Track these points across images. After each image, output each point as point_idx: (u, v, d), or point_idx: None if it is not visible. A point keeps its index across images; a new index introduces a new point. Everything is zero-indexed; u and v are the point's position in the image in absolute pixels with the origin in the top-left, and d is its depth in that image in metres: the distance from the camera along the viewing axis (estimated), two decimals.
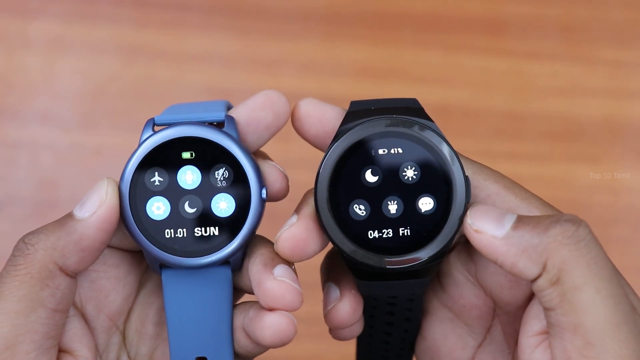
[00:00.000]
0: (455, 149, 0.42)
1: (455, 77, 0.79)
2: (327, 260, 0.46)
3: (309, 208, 0.42)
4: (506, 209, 0.42)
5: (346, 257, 0.41)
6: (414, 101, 0.44)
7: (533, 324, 0.41)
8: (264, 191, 0.42)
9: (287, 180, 0.44)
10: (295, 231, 0.41)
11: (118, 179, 0.43)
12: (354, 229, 0.41)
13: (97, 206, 0.41)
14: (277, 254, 0.42)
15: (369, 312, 0.45)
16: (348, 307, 0.43)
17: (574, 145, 0.78)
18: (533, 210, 0.42)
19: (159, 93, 0.78)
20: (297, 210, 0.42)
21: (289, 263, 0.42)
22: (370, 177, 0.42)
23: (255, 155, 0.44)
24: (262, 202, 0.42)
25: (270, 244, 0.44)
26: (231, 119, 0.42)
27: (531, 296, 0.42)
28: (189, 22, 0.80)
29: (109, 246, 0.44)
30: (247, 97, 0.80)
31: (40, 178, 0.76)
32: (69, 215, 0.41)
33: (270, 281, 0.41)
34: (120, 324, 0.45)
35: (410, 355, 0.48)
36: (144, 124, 0.43)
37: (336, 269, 0.44)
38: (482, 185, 0.42)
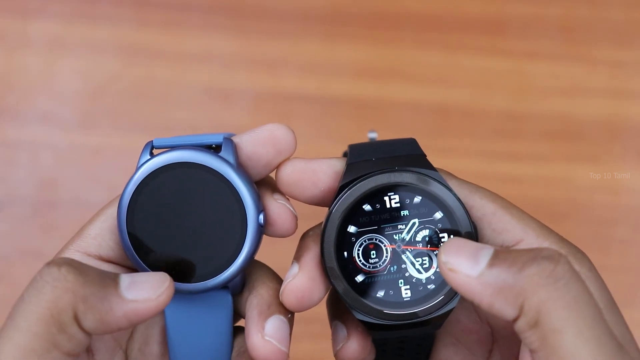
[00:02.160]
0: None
1: (455, 77, 0.79)
2: (331, 297, 0.45)
3: (308, 255, 0.42)
4: (502, 229, 0.41)
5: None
6: (414, 143, 0.43)
7: (527, 351, 0.40)
8: (261, 217, 0.42)
9: (296, 219, 0.43)
10: (299, 282, 0.41)
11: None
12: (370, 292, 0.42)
13: (143, 299, 0.38)
14: (276, 298, 0.42)
15: (379, 347, 0.45)
16: (356, 345, 0.43)
17: (574, 145, 0.78)
18: (529, 232, 0.41)
19: (159, 93, 0.78)
20: (297, 258, 0.42)
21: (287, 311, 0.42)
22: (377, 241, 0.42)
23: (264, 186, 0.44)
24: (260, 227, 0.42)
25: (271, 280, 0.43)
26: (229, 142, 0.42)
27: None
28: (189, 22, 0.80)
29: (115, 263, 0.43)
30: (247, 97, 0.81)
31: (40, 178, 0.76)
32: (114, 282, 0.38)
33: (258, 339, 0.41)
34: (123, 342, 0.44)
35: None
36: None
37: (341, 306, 0.43)
38: (478, 204, 0.42)
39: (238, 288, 0.43)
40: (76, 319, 0.37)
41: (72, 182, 0.76)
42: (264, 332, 0.41)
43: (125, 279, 0.38)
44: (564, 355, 0.35)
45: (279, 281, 0.43)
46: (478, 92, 0.79)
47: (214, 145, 0.42)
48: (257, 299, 0.42)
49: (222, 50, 0.79)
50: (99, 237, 0.42)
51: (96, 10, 0.79)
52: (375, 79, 0.79)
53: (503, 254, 0.37)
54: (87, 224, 0.43)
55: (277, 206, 0.42)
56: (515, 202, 0.43)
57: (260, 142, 0.42)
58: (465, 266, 0.37)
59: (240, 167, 0.42)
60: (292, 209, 0.43)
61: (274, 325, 0.41)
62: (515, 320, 0.37)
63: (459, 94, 0.79)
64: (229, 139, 0.42)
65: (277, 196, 0.43)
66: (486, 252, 0.38)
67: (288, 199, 0.43)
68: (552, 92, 0.79)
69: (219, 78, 0.79)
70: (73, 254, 0.42)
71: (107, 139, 0.77)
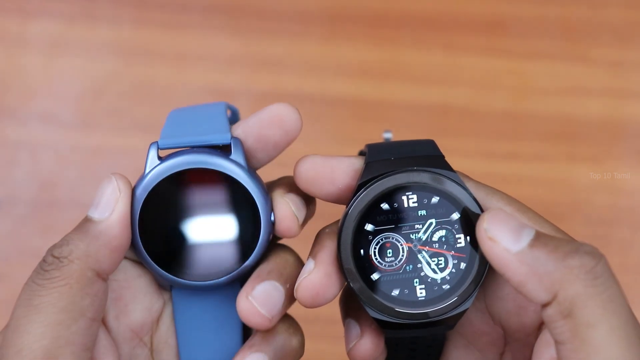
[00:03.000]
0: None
1: (455, 77, 0.79)
2: (345, 295, 0.45)
3: (324, 252, 0.42)
4: None
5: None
6: (432, 145, 0.43)
7: (544, 352, 0.40)
8: (272, 215, 0.42)
9: (297, 221, 0.43)
10: (314, 278, 0.41)
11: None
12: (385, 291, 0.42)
13: (114, 203, 0.40)
14: (280, 266, 0.42)
15: (391, 346, 0.45)
16: (370, 343, 0.43)
17: (574, 145, 0.78)
18: None
19: (159, 93, 0.78)
20: (313, 255, 0.42)
21: (286, 281, 0.42)
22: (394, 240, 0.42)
23: (278, 185, 0.44)
24: (271, 225, 0.42)
25: (283, 254, 0.43)
26: (237, 142, 0.42)
27: (539, 324, 0.42)
28: (189, 22, 0.80)
29: (133, 260, 0.43)
30: (247, 97, 0.81)
31: (40, 178, 0.76)
32: (88, 220, 0.40)
33: (243, 299, 0.41)
34: (146, 336, 0.44)
35: None
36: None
37: (355, 305, 0.43)
38: (494, 206, 0.42)
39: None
40: (96, 272, 0.39)
41: (72, 182, 0.76)
42: (251, 292, 0.41)
43: (91, 210, 0.41)
44: (594, 350, 0.35)
45: (292, 253, 0.44)
46: (478, 92, 0.79)
47: (221, 145, 0.42)
48: (262, 265, 0.42)
49: (222, 50, 0.79)
50: None
51: (96, 10, 0.79)
52: (375, 79, 0.79)
53: (545, 238, 0.37)
54: None
55: (282, 203, 0.42)
56: None
57: (266, 124, 0.42)
58: (506, 239, 0.37)
59: (250, 168, 0.42)
60: (295, 210, 0.43)
61: (263, 288, 0.41)
62: (545, 305, 0.37)
63: (459, 94, 0.79)
64: (237, 139, 0.42)
65: (287, 196, 0.43)
66: (529, 231, 0.38)
67: (302, 198, 0.43)
68: (552, 92, 0.79)
69: (219, 78, 0.79)
70: None
71: (107, 139, 0.77)
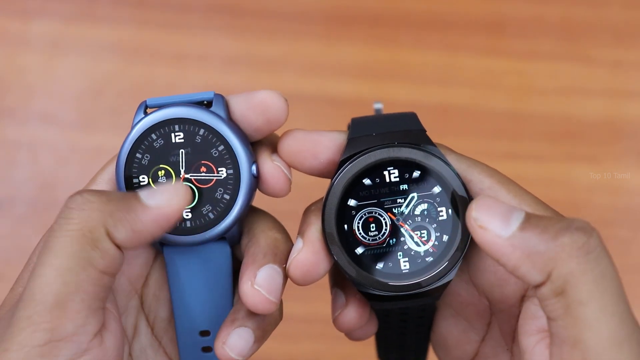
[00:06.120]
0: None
1: (455, 77, 0.79)
2: (334, 265, 0.46)
3: (311, 230, 0.42)
4: None
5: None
6: (414, 118, 0.44)
7: (530, 323, 0.41)
8: (254, 167, 0.43)
9: (289, 181, 0.43)
10: (304, 257, 0.42)
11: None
12: (368, 263, 0.42)
13: (165, 202, 0.39)
14: (272, 247, 0.43)
15: (382, 318, 0.45)
16: (354, 313, 0.44)
17: (574, 145, 0.78)
18: (524, 207, 0.41)
19: (159, 93, 0.78)
20: (301, 233, 0.43)
21: (282, 262, 0.42)
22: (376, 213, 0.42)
23: (264, 145, 0.44)
24: (253, 178, 0.43)
25: (271, 228, 0.44)
26: (219, 98, 0.43)
27: (522, 296, 0.42)
28: (189, 22, 0.80)
29: None
30: None
31: (40, 178, 0.76)
32: (135, 195, 0.40)
33: (247, 287, 0.41)
34: (139, 287, 0.45)
35: (427, 342, 0.49)
36: None
37: (342, 274, 0.44)
38: (475, 179, 0.42)
39: (236, 238, 0.44)
40: (108, 234, 0.38)
41: (72, 182, 0.76)
42: (255, 280, 0.41)
43: (144, 191, 0.40)
44: (585, 327, 0.36)
45: (279, 229, 0.44)
46: (478, 92, 0.79)
47: (205, 102, 0.43)
48: (254, 247, 0.43)
49: (222, 50, 0.79)
50: (111, 182, 0.44)
51: (96, 10, 0.79)
52: (375, 79, 0.79)
53: (535, 219, 0.38)
54: (99, 171, 0.44)
55: (271, 166, 0.43)
56: None
57: (251, 106, 0.43)
58: (496, 225, 0.38)
59: (231, 121, 0.43)
60: (285, 170, 0.43)
61: (266, 274, 0.42)
62: (539, 286, 0.37)
63: (459, 94, 0.79)
64: (219, 95, 0.43)
65: (274, 157, 0.43)
66: (518, 214, 0.38)
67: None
68: (552, 92, 0.79)
69: (219, 78, 0.79)
70: None
71: (107, 139, 0.77)
